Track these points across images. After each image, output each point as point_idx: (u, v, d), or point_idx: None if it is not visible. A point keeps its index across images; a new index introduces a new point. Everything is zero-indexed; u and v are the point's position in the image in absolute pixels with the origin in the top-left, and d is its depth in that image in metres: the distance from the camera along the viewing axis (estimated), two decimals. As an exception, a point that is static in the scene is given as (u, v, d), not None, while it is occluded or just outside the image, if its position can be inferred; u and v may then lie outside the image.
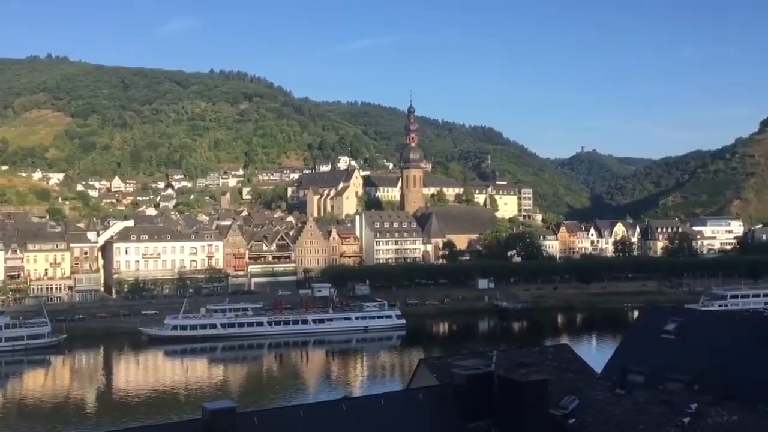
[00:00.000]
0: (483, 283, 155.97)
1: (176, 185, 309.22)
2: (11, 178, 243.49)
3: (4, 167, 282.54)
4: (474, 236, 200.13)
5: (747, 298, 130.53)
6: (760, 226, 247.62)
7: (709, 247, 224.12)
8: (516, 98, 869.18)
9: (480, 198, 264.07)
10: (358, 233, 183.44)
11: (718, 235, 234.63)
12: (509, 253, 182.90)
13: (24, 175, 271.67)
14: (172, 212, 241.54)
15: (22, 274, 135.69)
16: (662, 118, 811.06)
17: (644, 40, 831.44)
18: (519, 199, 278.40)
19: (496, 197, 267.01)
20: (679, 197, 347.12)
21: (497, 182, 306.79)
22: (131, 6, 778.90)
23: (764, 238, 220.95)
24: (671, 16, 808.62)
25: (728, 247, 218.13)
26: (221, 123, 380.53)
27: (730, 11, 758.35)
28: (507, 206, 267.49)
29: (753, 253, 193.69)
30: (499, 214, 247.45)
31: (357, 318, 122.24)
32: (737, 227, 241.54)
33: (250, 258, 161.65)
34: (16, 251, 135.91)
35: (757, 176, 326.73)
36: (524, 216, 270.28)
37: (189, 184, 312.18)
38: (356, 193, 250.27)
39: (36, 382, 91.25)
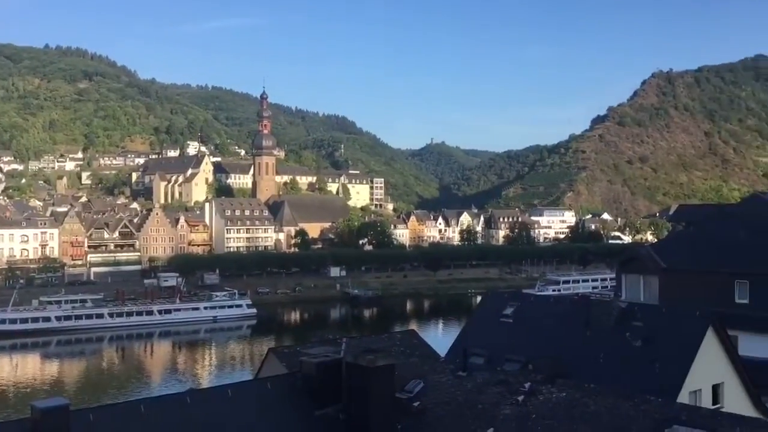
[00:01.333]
0: (335, 272, 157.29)
1: (5, 168, 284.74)
2: None
3: None
4: (326, 225, 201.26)
5: (577, 283, 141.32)
6: (589, 216, 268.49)
7: (545, 235, 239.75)
8: (370, 88, 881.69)
9: (333, 187, 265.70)
10: (207, 221, 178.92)
11: (553, 224, 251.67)
12: (361, 242, 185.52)
13: None
14: (0, 197, 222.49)
15: None
16: (506, 113, 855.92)
17: (493, 37, 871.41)
18: (371, 188, 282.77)
19: (349, 186, 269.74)
20: (519, 188, 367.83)
21: (350, 171, 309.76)
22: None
23: (593, 227, 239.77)
24: (519, 16, 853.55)
25: (562, 236, 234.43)
26: (57, 102, 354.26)
27: (571, 14, 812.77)
28: (359, 195, 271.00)
29: (583, 241, 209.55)
30: (351, 203, 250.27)
31: (206, 308, 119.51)
32: (570, 217, 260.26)
33: (89, 246, 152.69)
34: None
35: (587, 170, 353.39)
36: (376, 205, 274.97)
37: (20, 167, 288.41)
38: (206, 179, 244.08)
39: None
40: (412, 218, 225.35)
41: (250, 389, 18.58)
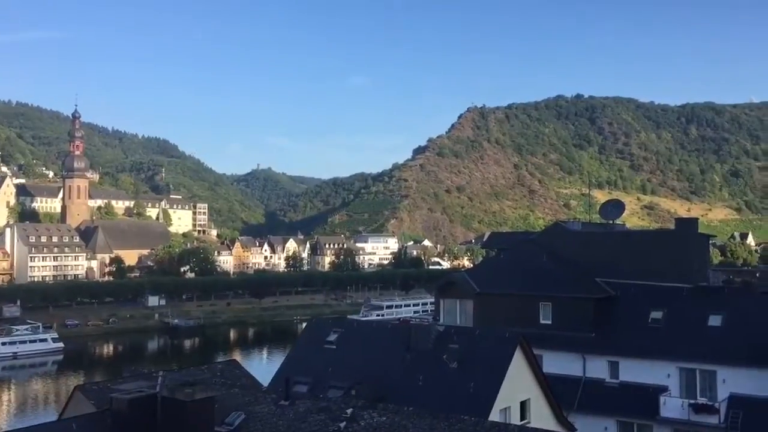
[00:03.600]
0: (153, 300, 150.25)
1: None
2: None
3: None
4: (145, 251, 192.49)
5: (400, 308, 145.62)
6: (411, 243, 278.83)
7: (370, 261, 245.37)
8: (193, 111, 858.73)
9: (153, 212, 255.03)
10: (8, 248, 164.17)
11: (378, 250, 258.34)
12: (182, 269, 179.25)
13: None
14: None
15: None
16: (332, 140, 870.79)
17: (319, 64, 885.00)
18: (194, 213, 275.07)
19: (170, 211, 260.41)
20: (345, 215, 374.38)
21: (171, 196, 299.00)
22: None
23: (414, 253, 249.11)
24: (343, 46, 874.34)
25: (386, 262, 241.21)
26: None
27: (391, 49, 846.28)
28: (181, 221, 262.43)
29: (405, 267, 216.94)
30: (172, 229, 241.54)
31: (4, 343, 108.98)
32: (393, 244, 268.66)
33: None
34: None
35: (409, 198, 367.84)
36: (199, 231, 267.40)
37: None
38: (7, 203, 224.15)
39: None
40: (237, 245, 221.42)
41: (53, 431, 17.12)
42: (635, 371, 30.34)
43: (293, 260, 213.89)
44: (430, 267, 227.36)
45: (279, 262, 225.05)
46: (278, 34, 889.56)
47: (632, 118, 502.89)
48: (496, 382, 22.77)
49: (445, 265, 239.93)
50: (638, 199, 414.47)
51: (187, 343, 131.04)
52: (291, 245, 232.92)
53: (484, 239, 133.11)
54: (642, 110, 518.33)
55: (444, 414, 17.77)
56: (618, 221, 41.63)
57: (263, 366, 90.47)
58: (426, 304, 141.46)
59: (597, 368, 31.28)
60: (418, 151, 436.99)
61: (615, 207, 41.98)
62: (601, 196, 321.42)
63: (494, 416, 21.62)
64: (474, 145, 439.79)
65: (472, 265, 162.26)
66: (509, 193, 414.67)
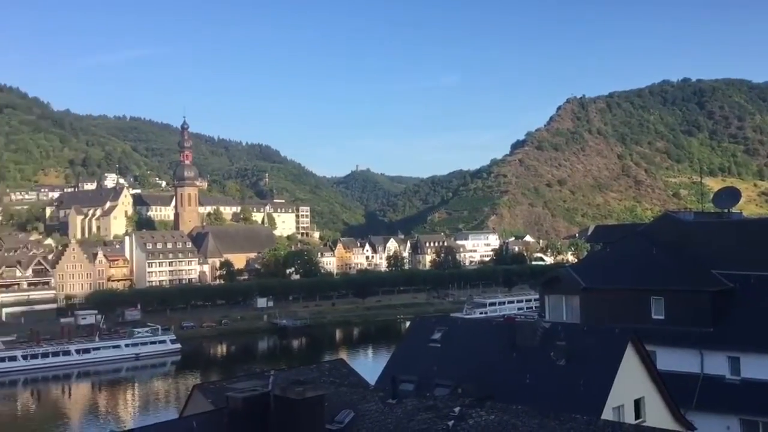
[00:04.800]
0: (262, 302, 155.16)
1: None
2: None
3: None
4: (252, 255, 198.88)
5: (503, 305, 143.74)
6: (512, 239, 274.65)
7: (471, 259, 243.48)
8: (293, 116, 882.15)
9: (258, 216, 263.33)
10: (128, 255, 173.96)
11: (478, 247, 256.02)
12: (288, 271, 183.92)
13: None
14: None
15: None
16: (429, 139, 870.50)
17: (413, 65, 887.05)
18: (297, 216, 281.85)
19: (274, 215, 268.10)
20: (444, 213, 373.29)
21: (275, 200, 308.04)
22: None
23: (516, 249, 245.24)
24: (437, 44, 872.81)
25: (487, 259, 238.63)
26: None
27: (485, 43, 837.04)
28: (285, 224, 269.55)
29: (507, 263, 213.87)
30: (277, 232, 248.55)
31: (127, 345, 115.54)
32: (494, 240, 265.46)
33: (0, 285, 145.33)
34: None
35: (509, 194, 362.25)
36: (302, 233, 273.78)
37: None
38: (126, 212, 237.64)
39: None
40: (339, 246, 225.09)
41: (175, 428, 17.97)
42: (758, 367, 28.59)
43: (394, 260, 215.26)
44: (533, 263, 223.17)
45: (380, 261, 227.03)
46: (372, 37, 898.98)
47: (745, 100, 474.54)
48: (607, 379, 22.03)
49: (548, 260, 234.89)
50: (755, 185, 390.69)
51: (295, 342, 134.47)
52: (392, 245, 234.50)
53: (589, 233, 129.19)
54: (756, 91, 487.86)
55: (554, 413, 17.37)
56: (734, 210, 39.35)
57: (369, 364, 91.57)
58: (530, 300, 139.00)
59: (716, 364, 29.67)
60: (516, 145, 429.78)
61: (730, 195, 39.68)
62: (713, 184, 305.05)
63: (607, 415, 20.94)
64: (574, 136, 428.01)
65: (576, 260, 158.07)
66: (614, 185, 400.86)
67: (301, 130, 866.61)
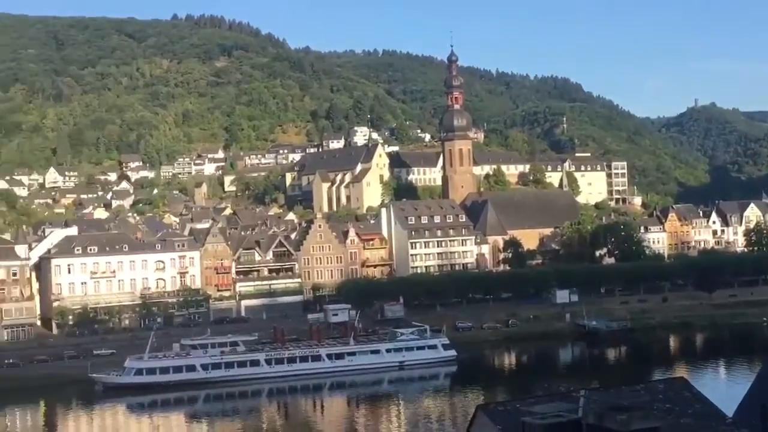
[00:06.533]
0: (562, 296, 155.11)
1: (133, 176, 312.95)
2: None
3: None
4: (547, 231, 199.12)
5: None
6: None
7: None
8: (599, 37, 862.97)
9: (554, 177, 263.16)
10: (385, 233, 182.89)
11: None
12: (598, 253, 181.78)
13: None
14: (129, 214, 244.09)
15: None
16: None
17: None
18: (609, 176, 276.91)
19: (577, 175, 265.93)
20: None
21: (577, 154, 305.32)
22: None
23: None
24: None
25: None
26: (191, 88, 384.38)
27: None
28: (592, 187, 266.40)
29: None
30: (581, 199, 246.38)
31: (389, 350, 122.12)
32: None
33: (238, 273, 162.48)
34: None
35: None
36: (617, 200, 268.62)
37: (150, 174, 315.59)
38: (381, 177, 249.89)
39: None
40: (672, 216, 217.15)
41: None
42: None
43: (757, 235, 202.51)
44: None
45: (735, 238, 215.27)
46: None
47: None
48: None
49: None
50: None
51: (611, 352, 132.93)
52: (752, 213, 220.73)
53: None
54: None
55: None
56: None
57: (722, 387, 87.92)
58: None
59: None
60: None
61: None
62: None
63: None
64: None
65: None
66: None
67: (612, 55, 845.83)
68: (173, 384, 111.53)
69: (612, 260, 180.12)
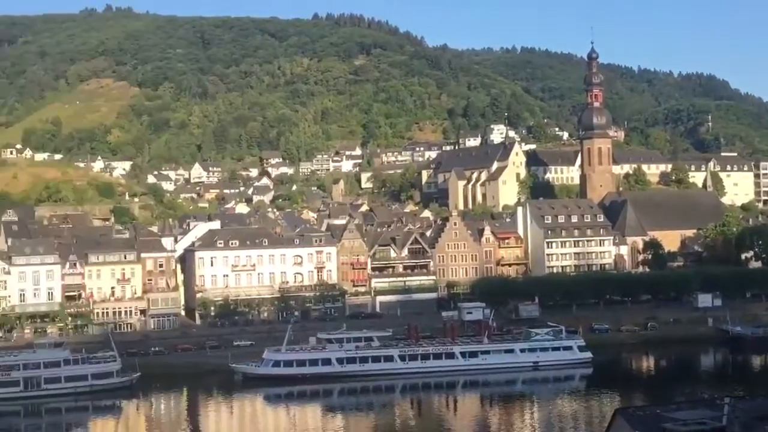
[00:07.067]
0: (704, 300, 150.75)
1: (273, 172, 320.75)
2: (66, 170, 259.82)
3: (58, 156, 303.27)
4: (689, 233, 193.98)
5: None
6: None
7: None
8: (748, 33, 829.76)
9: (697, 177, 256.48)
10: (521, 231, 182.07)
11: None
12: (743, 256, 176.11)
13: (82, 165, 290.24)
14: (269, 209, 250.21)
15: (83, 294, 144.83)
16: None
17: None
18: (757, 177, 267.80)
19: (722, 175, 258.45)
20: None
21: (723, 153, 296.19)
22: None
23: None
24: None
25: None
26: (330, 86, 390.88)
27: None
28: (738, 188, 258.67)
29: None
30: (726, 200, 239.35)
31: (523, 350, 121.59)
32: None
33: (373, 269, 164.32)
34: (75, 265, 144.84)
35: None
36: (765, 201, 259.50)
37: (290, 171, 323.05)
38: (517, 175, 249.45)
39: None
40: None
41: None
42: None
43: None
44: None
45: None
46: None
47: None
48: None
49: None
50: None
51: (756, 360, 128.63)
52: None
53: None
54: None
55: None
56: None
57: None
58: None
59: None
60: None
61: None
62: None
63: None
64: None
65: None
66: None
67: (763, 50, 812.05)
68: (309, 376, 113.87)
69: (759, 264, 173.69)
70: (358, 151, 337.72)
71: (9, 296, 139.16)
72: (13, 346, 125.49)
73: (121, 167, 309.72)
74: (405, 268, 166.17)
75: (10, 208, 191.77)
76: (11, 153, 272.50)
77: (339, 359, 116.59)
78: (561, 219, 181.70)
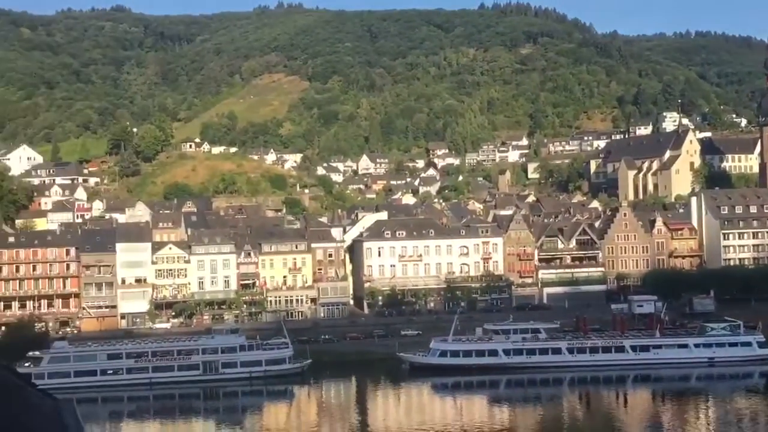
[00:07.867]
0: None
1: (439, 163, 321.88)
2: (241, 163, 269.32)
3: (233, 149, 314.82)
4: None
5: None
6: None
7: None
8: None
9: None
10: (695, 223, 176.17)
11: None
12: None
13: (255, 157, 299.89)
14: (436, 199, 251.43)
15: (257, 283, 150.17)
16: None
17: None
18: None
19: None
20: None
21: None
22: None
23: None
24: None
25: None
26: (496, 76, 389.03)
27: None
28: None
29: None
30: None
31: (697, 345, 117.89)
32: None
33: (540, 260, 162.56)
34: (249, 254, 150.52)
35: None
36: None
37: (456, 161, 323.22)
38: (691, 164, 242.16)
39: (278, 420, 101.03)
40: None
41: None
42: None
43: None
44: None
45: None
46: None
47: None
48: None
49: None
50: None
51: None
52: None
53: None
54: None
55: None
56: None
57: None
58: None
59: None
60: None
61: None
62: None
63: None
64: None
65: None
66: None
67: None
68: (475, 367, 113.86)
69: None
70: (524, 141, 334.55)
71: (189, 283, 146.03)
72: (193, 331, 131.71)
73: (293, 159, 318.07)
74: (573, 259, 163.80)
75: (189, 199, 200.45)
76: (190, 147, 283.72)
77: (506, 350, 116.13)
78: (738, 209, 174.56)
